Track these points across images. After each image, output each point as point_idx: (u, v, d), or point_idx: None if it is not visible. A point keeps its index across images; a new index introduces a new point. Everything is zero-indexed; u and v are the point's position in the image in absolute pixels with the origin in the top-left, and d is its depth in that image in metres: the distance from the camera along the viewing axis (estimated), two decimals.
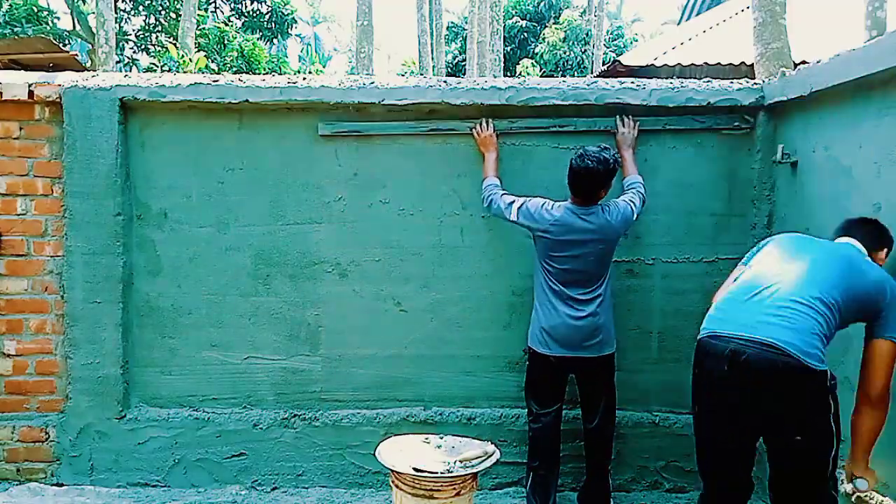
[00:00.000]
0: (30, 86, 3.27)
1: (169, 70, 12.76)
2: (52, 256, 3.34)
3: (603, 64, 19.02)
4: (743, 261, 2.59)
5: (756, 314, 2.23)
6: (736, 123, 3.33)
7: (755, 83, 3.36)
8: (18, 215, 3.34)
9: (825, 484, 2.20)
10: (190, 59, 10.90)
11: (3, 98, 3.26)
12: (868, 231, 2.42)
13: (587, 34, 22.86)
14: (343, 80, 3.36)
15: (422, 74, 18.53)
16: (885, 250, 2.42)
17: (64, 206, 3.31)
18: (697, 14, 16.15)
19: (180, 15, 13.89)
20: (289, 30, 19.59)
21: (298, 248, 3.41)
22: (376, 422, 3.40)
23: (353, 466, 3.42)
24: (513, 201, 3.10)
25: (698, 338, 2.38)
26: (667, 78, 3.55)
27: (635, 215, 3.06)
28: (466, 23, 20.34)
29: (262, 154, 3.39)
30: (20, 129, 3.33)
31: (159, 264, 3.40)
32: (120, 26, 16.64)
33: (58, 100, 3.26)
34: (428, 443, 2.85)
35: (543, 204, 3.05)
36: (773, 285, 2.27)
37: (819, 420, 2.15)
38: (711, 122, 3.34)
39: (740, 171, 3.36)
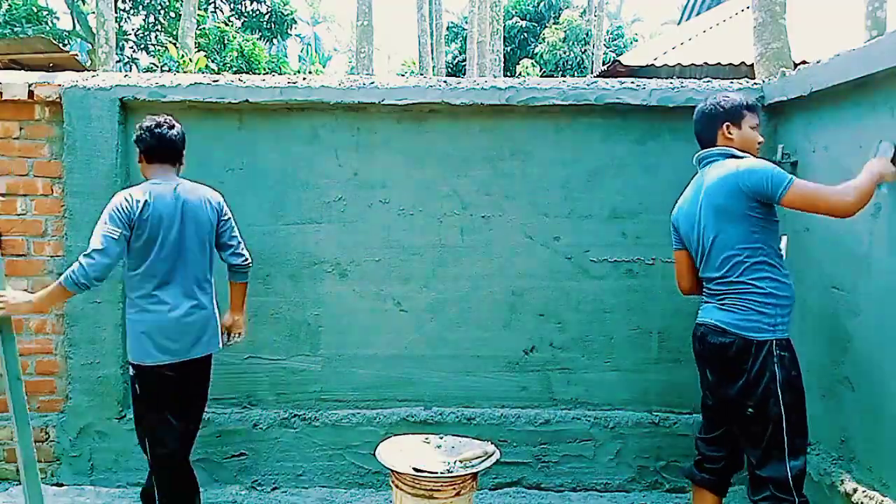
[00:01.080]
0: (30, 86, 3.27)
1: (169, 70, 12.77)
2: (52, 256, 3.35)
3: (603, 64, 19.02)
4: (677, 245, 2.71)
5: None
6: None
7: (755, 83, 3.36)
8: (18, 215, 3.34)
9: (782, 459, 2.30)
10: (190, 59, 10.90)
11: (3, 98, 3.26)
12: (702, 135, 2.56)
13: (587, 34, 22.85)
14: (343, 80, 3.36)
15: (422, 74, 18.53)
16: (726, 125, 2.50)
17: (64, 206, 3.31)
18: (697, 14, 16.16)
19: (180, 14, 13.88)
20: (289, 30, 19.62)
21: (298, 248, 3.41)
22: (376, 422, 3.40)
23: (353, 466, 3.42)
24: None
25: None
26: (667, 78, 3.55)
27: None
28: (466, 23, 20.35)
29: (262, 154, 3.39)
30: (20, 129, 3.33)
31: None
32: (120, 26, 16.64)
33: (58, 100, 3.26)
34: (428, 443, 2.85)
35: None
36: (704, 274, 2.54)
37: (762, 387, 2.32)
38: None
39: None
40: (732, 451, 2.57)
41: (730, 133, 2.50)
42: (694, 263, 2.62)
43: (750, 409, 2.34)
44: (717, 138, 2.52)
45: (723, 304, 2.43)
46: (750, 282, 2.36)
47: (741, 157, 2.43)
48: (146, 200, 2.58)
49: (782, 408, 2.30)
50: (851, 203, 2.25)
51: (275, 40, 20.40)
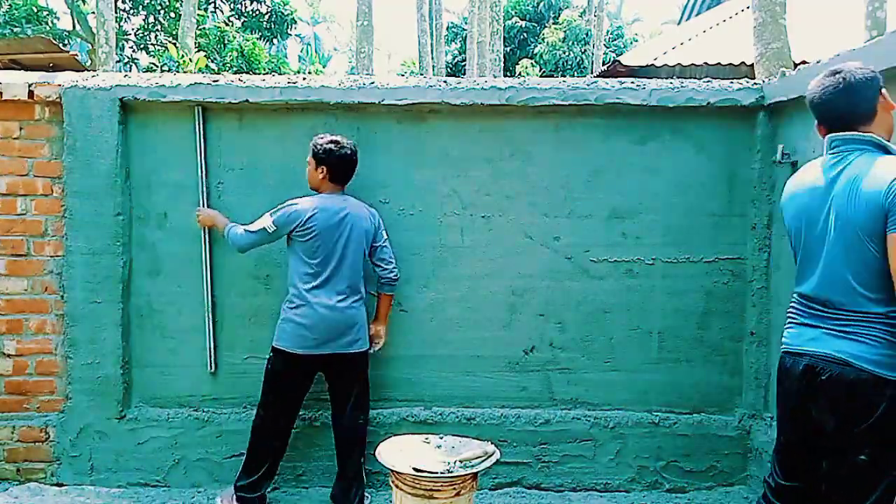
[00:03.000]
0: (30, 86, 3.27)
1: (169, 70, 12.77)
2: (52, 256, 3.34)
3: (603, 64, 19.02)
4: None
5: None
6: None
7: (755, 83, 3.36)
8: (18, 215, 3.34)
9: None
10: (190, 59, 10.90)
11: (3, 98, 3.26)
12: (848, 111, 2.00)
13: (587, 34, 22.85)
14: (343, 80, 3.36)
15: (422, 74, 18.54)
16: (883, 90, 2.01)
17: (64, 206, 3.31)
18: (697, 14, 16.16)
19: (180, 14, 13.88)
20: (288, 30, 19.59)
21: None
22: (376, 422, 3.40)
23: None
24: None
25: None
26: (667, 78, 3.55)
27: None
28: (466, 23, 20.34)
29: (263, 154, 3.39)
30: (20, 129, 3.33)
31: (159, 264, 3.40)
32: (120, 26, 16.64)
33: (58, 100, 3.26)
34: (428, 443, 2.84)
35: None
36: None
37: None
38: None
39: (740, 171, 3.36)
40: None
41: (887, 100, 2.02)
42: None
43: (863, 458, 1.93)
44: (873, 112, 2.00)
45: (846, 333, 1.97)
46: (885, 307, 1.92)
47: (888, 157, 1.96)
48: (315, 212, 2.99)
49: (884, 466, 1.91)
50: None
51: (275, 40, 20.36)
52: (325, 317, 2.99)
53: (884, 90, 2.02)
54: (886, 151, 1.98)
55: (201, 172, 3.33)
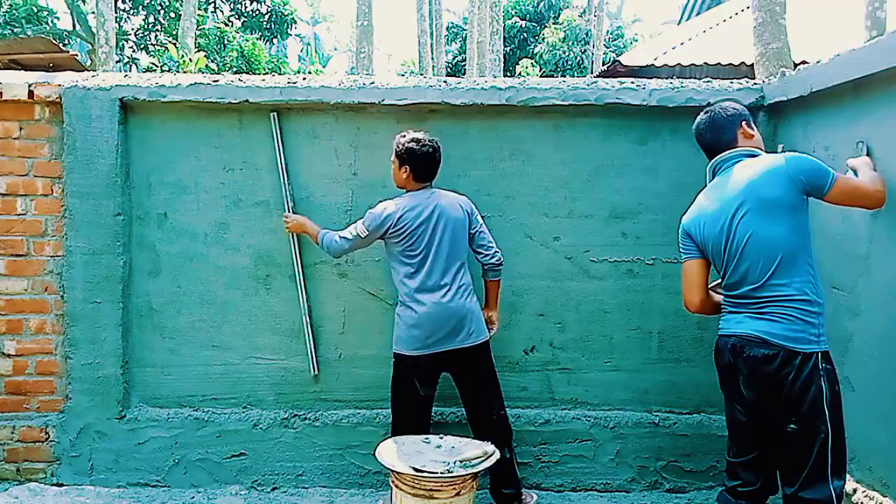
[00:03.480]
0: (30, 86, 3.27)
1: (169, 70, 12.76)
2: (52, 256, 3.35)
3: (603, 64, 19.03)
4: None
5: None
6: None
7: (755, 83, 3.36)
8: (18, 215, 3.34)
9: (825, 479, 2.15)
10: (190, 59, 10.91)
11: (3, 98, 3.26)
12: (718, 139, 2.44)
13: (587, 34, 22.85)
14: (343, 80, 3.36)
15: (422, 74, 18.53)
16: (744, 122, 2.42)
17: (64, 206, 3.32)
18: (697, 14, 16.17)
19: (180, 14, 13.89)
20: (288, 30, 19.61)
21: (298, 247, 3.41)
22: (376, 422, 3.40)
23: (353, 466, 3.42)
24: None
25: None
26: (667, 78, 3.55)
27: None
28: (466, 23, 20.35)
29: (262, 154, 3.39)
30: (20, 129, 3.33)
31: (159, 264, 3.40)
32: (120, 26, 16.65)
33: (58, 100, 3.26)
34: (428, 443, 2.85)
35: None
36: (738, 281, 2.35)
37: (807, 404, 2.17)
38: None
39: None
40: (769, 473, 2.39)
41: (751, 129, 2.42)
42: (707, 275, 2.46)
43: (792, 426, 2.18)
44: (736, 139, 2.41)
45: (762, 314, 2.24)
46: (794, 288, 2.20)
47: (762, 155, 2.35)
48: (403, 211, 2.96)
49: (829, 425, 2.15)
50: (883, 194, 2.29)
51: (275, 40, 20.39)
52: (433, 314, 2.94)
53: (745, 122, 2.42)
54: (755, 156, 2.35)
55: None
